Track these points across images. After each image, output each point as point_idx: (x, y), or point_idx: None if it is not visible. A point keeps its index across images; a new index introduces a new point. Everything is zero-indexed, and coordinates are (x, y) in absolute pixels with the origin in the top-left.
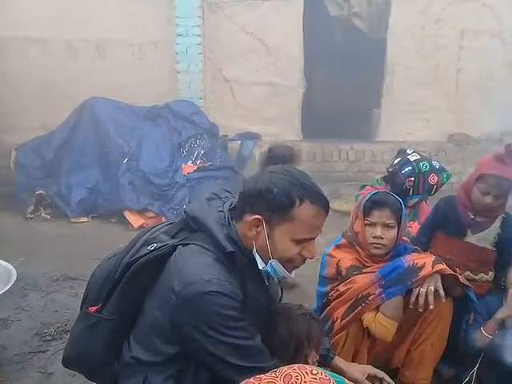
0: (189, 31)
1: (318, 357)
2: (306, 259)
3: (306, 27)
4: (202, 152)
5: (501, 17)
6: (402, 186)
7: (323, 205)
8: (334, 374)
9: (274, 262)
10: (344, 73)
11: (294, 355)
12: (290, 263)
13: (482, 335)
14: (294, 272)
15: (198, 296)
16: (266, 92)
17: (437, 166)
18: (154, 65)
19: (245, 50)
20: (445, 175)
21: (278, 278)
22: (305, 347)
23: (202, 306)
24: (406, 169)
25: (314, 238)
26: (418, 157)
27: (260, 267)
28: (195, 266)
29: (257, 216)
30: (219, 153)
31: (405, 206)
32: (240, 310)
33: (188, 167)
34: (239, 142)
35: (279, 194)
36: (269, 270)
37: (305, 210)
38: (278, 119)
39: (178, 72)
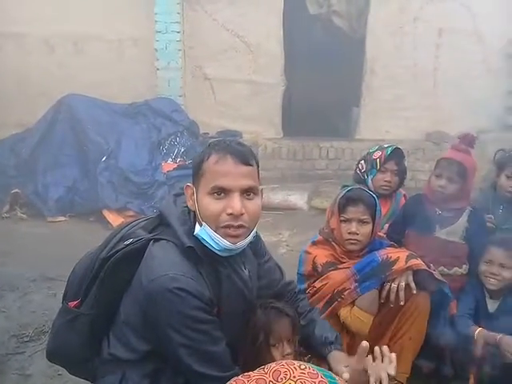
0: (168, 28)
1: (289, 350)
2: (230, 215)
3: (287, 25)
4: (182, 150)
5: (477, 16)
6: (358, 174)
7: (225, 150)
8: (322, 369)
9: (204, 225)
10: (324, 71)
11: (253, 348)
12: (220, 228)
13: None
14: (240, 242)
15: (161, 292)
16: (247, 90)
17: (385, 146)
18: (133, 61)
19: (225, 48)
20: (389, 149)
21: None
22: (260, 339)
23: (164, 303)
24: (362, 159)
25: (231, 190)
26: None
27: (195, 232)
28: (162, 262)
29: (187, 184)
30: (199, 151)
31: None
32: (204, 311)
33: (168, 165)
34: None
35: (196, 158)
36: (202, 235)
37: (210, 161)
38: (258, 117)
39: (157, 69)
